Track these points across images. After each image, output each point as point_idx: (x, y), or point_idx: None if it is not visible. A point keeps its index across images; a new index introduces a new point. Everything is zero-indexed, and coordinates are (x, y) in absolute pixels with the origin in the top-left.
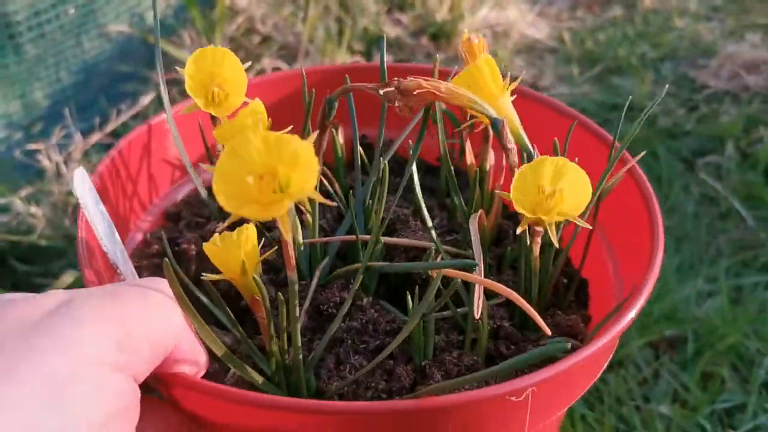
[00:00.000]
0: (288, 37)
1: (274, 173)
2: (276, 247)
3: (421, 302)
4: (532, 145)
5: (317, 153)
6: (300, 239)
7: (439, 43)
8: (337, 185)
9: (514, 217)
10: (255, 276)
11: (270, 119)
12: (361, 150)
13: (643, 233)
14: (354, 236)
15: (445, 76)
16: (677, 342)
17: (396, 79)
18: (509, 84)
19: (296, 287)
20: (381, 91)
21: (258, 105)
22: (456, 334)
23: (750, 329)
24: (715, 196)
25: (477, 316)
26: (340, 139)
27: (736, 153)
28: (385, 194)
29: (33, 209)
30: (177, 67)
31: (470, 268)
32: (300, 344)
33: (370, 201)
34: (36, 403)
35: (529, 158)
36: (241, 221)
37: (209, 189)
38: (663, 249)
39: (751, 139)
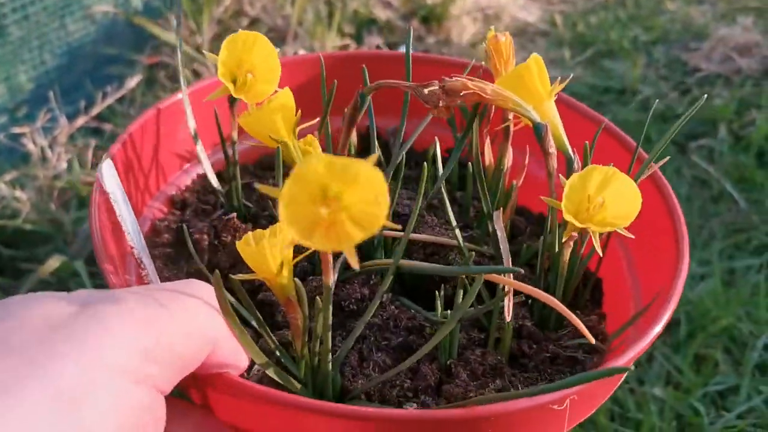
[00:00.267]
0: (277, 19)
1: (333, 197)
2: (309, 251)
3: (456, 307)
4: (573, 151)
5: (344, 147)
6: (356, 261)
7: (430, 26)
8: None
9: (525, 213)
10: (295, 279)
11: (299, 111)
12: (377, 146)
13: (664, 235)
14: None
15: (475, 72)
16: (670, 325)
17: (441, 79)
18: (557, 86)
19: (330, 293)
20: (425, 91)
21: (288, 97)
22: (477, 332)
23: (743, 312)
24: (707, 178)
25: (508, 319)
26: (353, 135)
27: (728, 136)
28: (421, 191)
29: (18, 193)
30: (207, 54)
31: (504, 274)
32: (330, 348)
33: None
34: (44, 414)
35: (569, 163)
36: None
37: (218, 174)
38: (688, 260)
39: (744, 121)
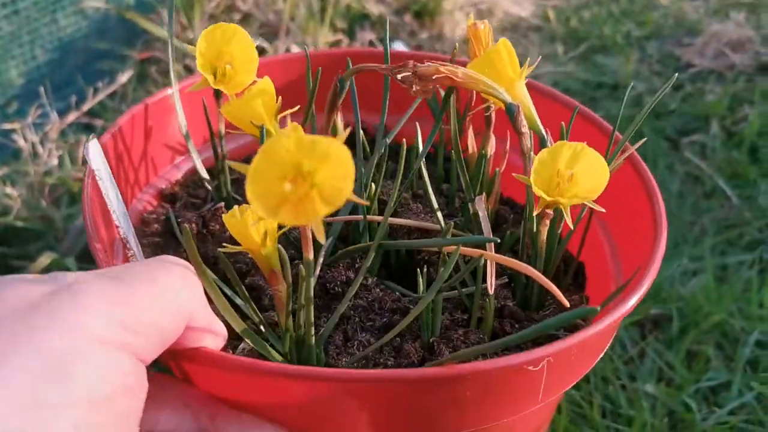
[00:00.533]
0: (269, 14)
1: (306, 174)
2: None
3: (435, 280)
4: (546, 131)
5: (327, 132)
6: (323, 235)
7: (423, 21)
8: None
9: (510, 203)
10: (280, 247)
11: (280, 97)
12: (362, 135)
13: (644, 218)
14: (361, 216)
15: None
16: (662, 321)
17: (413, 63)
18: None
19: (311, 267)
20: (399, 76)
21: (267, 84)
22: (460, 314)
23: (735, 307)
24: (699, 174)
25: (491, 291)
26: (340, 123)
27: (721, 132)
28: (400, 176)
29: (8, 190)
30: (187, 45)
31: (483, 245)
32: (313, 320)
33: (372, 184)
34: (36, 380)
35: (542, 142)
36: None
37: (209, 170)
38: (665, 236)
39: (736, 117)
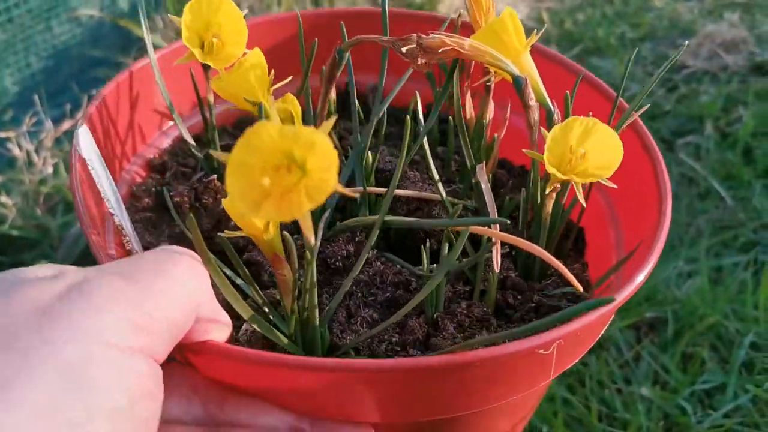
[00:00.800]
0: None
1: (290, 165)
2: None
3: (443, 261)
4: (552, 103)
5: (324, 105)
6: (312, 234)
7: None
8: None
9: (507, 165)
10: (284, 233)
11: (273, 71)
12: (357, 105)
13: (646, 185)
14: (361, 188)
15: (452, 27)
16: (658, 324)
17: (418, 35)
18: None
19: (314, 252)
20: (403, 49)
21: (258, 56)
22: (462, 285)
23: (729, 309)
24: (694, 176)
25: (497, 270)
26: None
27: (715, 133)
28: (405, 150)
29: (3, 199)
30: (170, 16)
31: (491, 225)
32: (316, 303)
33: (369, 153)
34: (56, 395)
35: (549, 115)
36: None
37: (196, 137)
38: (671, 204)
39: (730, 118)
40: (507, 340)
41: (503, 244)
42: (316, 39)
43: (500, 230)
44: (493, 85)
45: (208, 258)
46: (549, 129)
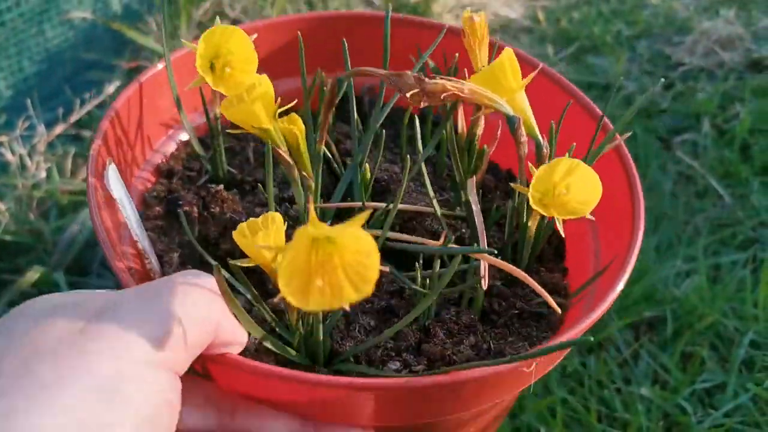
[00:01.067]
0: (257, 21)
1: (328, 250)
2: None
3: (440, 283)
4: (542, 138)
5: (323, 130)
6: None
7: None
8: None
9: (494, 170)
10: None
11: (279, 100)
12: (358, 119)
13: (623, 199)
14: (360, 203)
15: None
16: (657, 323)
17: (419, 78)
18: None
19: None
20: (407, 94)
21: (267, 86)
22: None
23: (728, 308)
24: (692, 174)
25: (485, 287)
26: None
27: (712, 130)
28: (407, 174)
29: None
30: (184, 41)
31: (480, 251)
32: (321, 319)
33: (367, 165)
34: (90, 403)
35: (538, 148)
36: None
37: (201, 140)
38: (644, 221)
39: (727, 115)
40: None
41: (489, 245)
42: (300, 35)
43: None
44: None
45: (227, 291)
46: (538, 158)
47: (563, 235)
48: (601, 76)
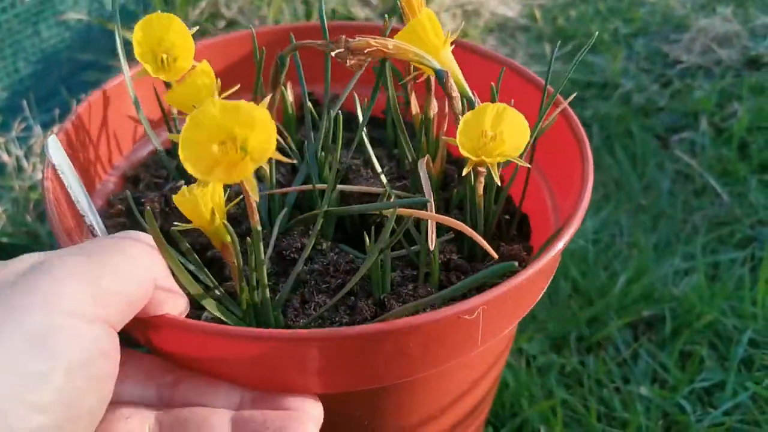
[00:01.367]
0: (254, 20)
1: (234, 138)
2: (240, 198)
3: (379, 239)
4: (473, 92)
5: (271, 109)
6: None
7: None
8: (290, 140)
9: (458, 163)
10: (225, 222)
11: (219, 80)
12: (310, 106)
13: (576, 170)
14: (311, 185)
15: (394, 33)
16: (655, 322)
17: (345, 39)
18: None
19: (260, 234)
20: (333, 53)
21: (206, 66)
22: (410, 270)
23: (727, 306)
24: (689, 172)
25: (431, 248)
26: (290, 96)
27: (710, 128)
28: (340, 145)
29: None
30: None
31: (422, 206)
32: (266, 282)
33: (322, 153)
34: (17, 353)
35: (471, 105)
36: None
37: (167, 150)
38: (592, 182)
39: (725, 113)
40: (433, 307)
41: (449, 230)
42: (264, 49)
43: (434, 212)
44: (433, 84)
45: (162, 242)
46: None
47: (498, 183)
48: (599, 74)
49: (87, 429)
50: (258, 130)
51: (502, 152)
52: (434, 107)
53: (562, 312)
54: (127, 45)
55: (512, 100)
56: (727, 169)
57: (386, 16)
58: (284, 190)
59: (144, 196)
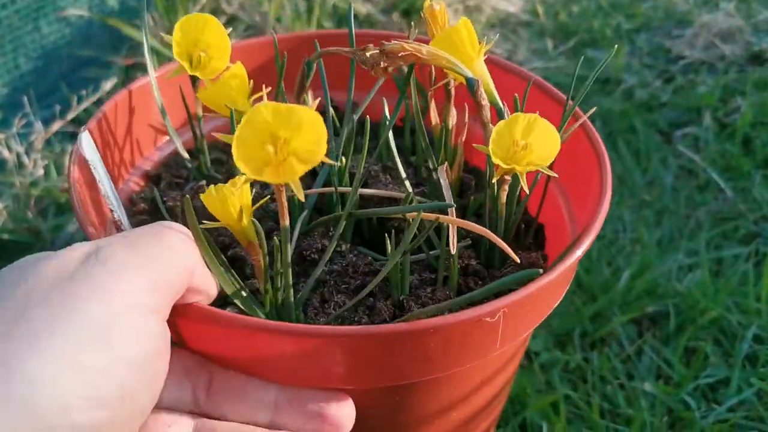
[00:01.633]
0: (255, 16)
1: (283, 139)
2: (266, 198)
3: (401, 242)
4: (503, 104)
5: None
6: (302, 193)
7: (411, 19)
8: None
9: (475, 171)
10: (254, 220)
11: (251, 81)
12: (332, 111)
13: (594, 180)
14: (333, 188)
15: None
16: (659, 318)
17: (381, 42)
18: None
19: (288, 233)
20: (367, 54)
21: (239, 68)
22: (428, 273)
23: (731, 302)
24: (693, 168)
25: (453, 252)
26: (312, 102)
27: (713, 123)
28: (366, 149)
29: None
30: (162, 34)
31: (444, 210)
32: (291, 282)
33: (343, 157)
34: (82, 347)
35: (500, 114)
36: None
37: (190, 151)
38: (611, 192)
39: (728, 108)
40: (462, 308)
41: (467, 236)
42: (285, 52)
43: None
44: (453, 91)
45: (198, 234)
46: None
47: (527, 190)
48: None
49: (135, 430)
50: (306, 132)
51: (531, 161)
52: (453, 116)
53: (565, 308)
54: (127, 42)
55: (537, 111)
56: (731, 164)
57: (391, 13)
58: (307, 192)
59: (167, 195)
